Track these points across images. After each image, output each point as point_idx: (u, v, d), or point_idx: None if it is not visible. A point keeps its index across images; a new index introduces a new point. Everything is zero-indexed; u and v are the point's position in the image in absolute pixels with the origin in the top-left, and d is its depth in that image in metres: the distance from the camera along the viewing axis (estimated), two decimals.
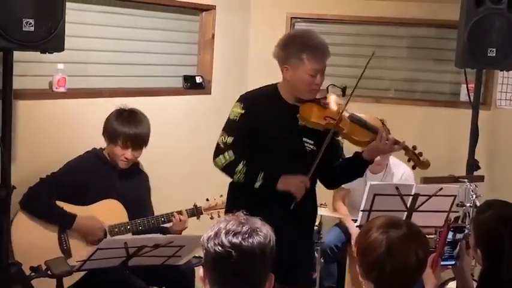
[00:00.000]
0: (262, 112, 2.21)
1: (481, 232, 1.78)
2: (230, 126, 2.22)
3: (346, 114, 2.20)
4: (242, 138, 2.19)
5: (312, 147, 2.21)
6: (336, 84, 2.25)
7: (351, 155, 2.28)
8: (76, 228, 2.39)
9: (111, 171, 2.52)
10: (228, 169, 2.20)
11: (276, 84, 2.29)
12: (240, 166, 2.17)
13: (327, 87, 2.25)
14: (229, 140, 2.19)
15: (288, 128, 2.20)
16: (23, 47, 2.02)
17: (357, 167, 2.26)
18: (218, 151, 2.21)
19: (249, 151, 2.19)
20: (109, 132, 2.49)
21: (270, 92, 2.25)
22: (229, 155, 2.19)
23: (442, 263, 1.81)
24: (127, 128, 2.46)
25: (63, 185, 2.41)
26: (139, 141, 2.49)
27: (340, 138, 2.27)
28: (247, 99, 2.24)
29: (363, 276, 1.54)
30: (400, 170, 3.29)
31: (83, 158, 2.50)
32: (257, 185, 2.16)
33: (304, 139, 2.21)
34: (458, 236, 1.85)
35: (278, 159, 2.20)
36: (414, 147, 2.24)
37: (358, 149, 2.28)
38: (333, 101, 2.23)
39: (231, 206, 2.29)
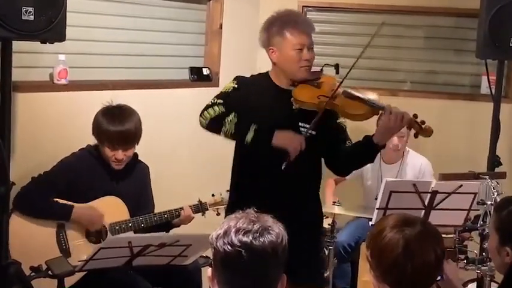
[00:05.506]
0: (255, 96, 2.17)
1: (509, 230, 1.67)
2: (221, 94, 2.20)
3: (340, 91, 2.15)
4: (231, 105, 2.14)
5: (310, 131, 2.13)
6: (329, 63, 2.21)
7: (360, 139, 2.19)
8: (75, 218, 2.30)
9: (106, 168, 2.43)
10: (216, 121, 2.13)
11: (267, 72, 2.25)
12: (231, 117, 2.12)
13: (321, 68, 2.21)
14: (220, 101, 2.17)
15: (282, 114, 2.16)
16: (23, 37, 1.95)
17: (367, 151, 2.16)
18: (207, 107, 2.18)
19: None
20: (96, 132, 2.39)
21: (262, 78, 2.22)
22: (219, 109, 2.15)
23: None
24: (111, 126, 2.34)
25: (56, 183, 2.33)
26: (127, 139, 2.36)
27: (342, 120, 2.21)
28: (242, 79, 2.22)
29: (379, 279, 1.46)
30: (418, 160, 3.22)
31: (76, 155, 2.42)
32: (248, 137, 2.09)
33: (301, 123, 2.15)
34: None
35: (274, 146, 2.12)
36: (415, 116, 2.12)
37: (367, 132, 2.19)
38: (327, 80, 2.18)
39: (231, 207, 2.23)
